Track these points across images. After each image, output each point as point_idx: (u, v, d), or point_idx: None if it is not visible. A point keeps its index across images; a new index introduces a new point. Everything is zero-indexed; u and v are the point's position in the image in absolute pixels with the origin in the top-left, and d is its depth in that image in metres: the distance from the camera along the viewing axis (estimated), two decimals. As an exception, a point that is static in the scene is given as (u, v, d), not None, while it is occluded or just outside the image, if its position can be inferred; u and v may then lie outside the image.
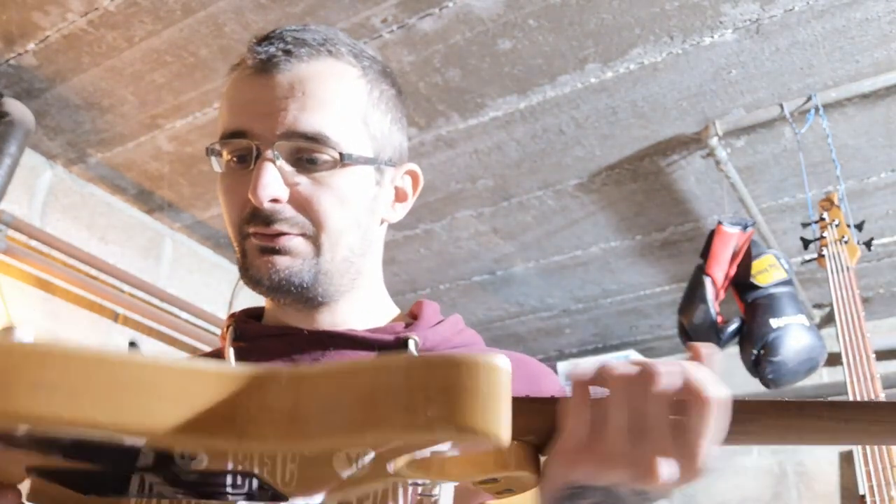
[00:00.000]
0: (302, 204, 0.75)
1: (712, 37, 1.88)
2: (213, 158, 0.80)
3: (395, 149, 0.84)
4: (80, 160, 2.36)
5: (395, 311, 0.86)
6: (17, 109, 2.04)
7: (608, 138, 2.24)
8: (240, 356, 0.79)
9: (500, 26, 1.85)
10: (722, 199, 2.29)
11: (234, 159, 0.77)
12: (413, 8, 1.80)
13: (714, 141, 2.15)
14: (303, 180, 0.75)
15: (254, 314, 0.86)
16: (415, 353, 0.75)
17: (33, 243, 2.19)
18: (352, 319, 0.80)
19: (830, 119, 2.10)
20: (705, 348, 0.52)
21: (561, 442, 0.51)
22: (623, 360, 0.51)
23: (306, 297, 0.76)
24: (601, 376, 0.51)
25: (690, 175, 2.39)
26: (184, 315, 2.61)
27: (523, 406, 0.49)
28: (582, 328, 3.43)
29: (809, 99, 2.04)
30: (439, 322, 0.82)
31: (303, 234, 0.75)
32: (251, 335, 0.81)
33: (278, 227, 0.74)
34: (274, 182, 0.73)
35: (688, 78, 2.01)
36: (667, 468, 0.49)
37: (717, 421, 0.48)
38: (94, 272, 2.34)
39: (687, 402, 0.48)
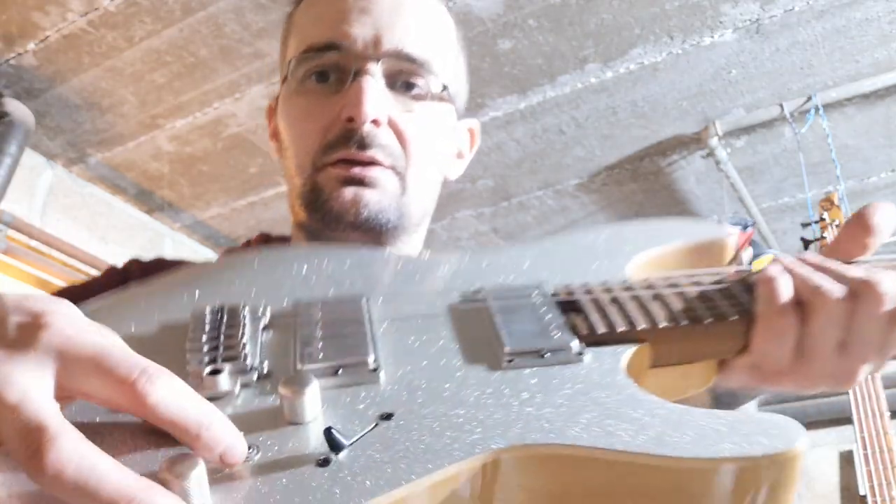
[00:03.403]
0: (399, 132, 0.68)
1: (712, 37, 1.87)
2: (290, 79, 0.71)
3: (463, 99, 0.79)
4: (80, 160, 2.36)
5: None
6: (17, 109, 2.04)
7: (608, 138, 2.24)
8: None
9: (500, 26, 1.85)
10: (722, 199, 2.29)
11: (314, 77, 0.69)
12: (413, 8, 1.80)
13: (714, 141, 2.15)
14: (399, 107, 0.69)
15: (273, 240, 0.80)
16: None
17: (33, 243, 2.19)
18: None
19: (830, 119, 2.10)
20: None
21: (756, 363, 0.50)
22: (808, 265, 0.50)
23: (379, 239, 0.69)
24: (808, 296, 0.48)
25: (690, 175, 2.39)
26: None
27: (716, 329, 0.51)
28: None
29: (809, 99, 2.04)
30: None
31: (392, 168, 0.68)
32: None
33: (373, 153, 0.66)
34: (380, 100, 0.66)
35: (688, 78, 2.01)
36: (865, 372, 0.48)
37: None
38: (94, 272, 2.34)
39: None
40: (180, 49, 1.93)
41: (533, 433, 0.41)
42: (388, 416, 0.43)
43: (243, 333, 0.49)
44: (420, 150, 0.69)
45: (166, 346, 0.50)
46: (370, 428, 0.42)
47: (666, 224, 0.65)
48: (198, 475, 0.36)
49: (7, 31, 1.88)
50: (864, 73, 1.98)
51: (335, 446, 0.40)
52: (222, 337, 0.49)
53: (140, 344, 0.44)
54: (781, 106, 2.07)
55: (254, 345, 0.50)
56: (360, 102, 0.65)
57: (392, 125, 0.68)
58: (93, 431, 0.36)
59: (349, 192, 0.66)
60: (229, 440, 0.38)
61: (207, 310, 0.52)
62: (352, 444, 0.41)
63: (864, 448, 1.96)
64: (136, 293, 0.58)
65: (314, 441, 0.41)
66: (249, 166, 2.38)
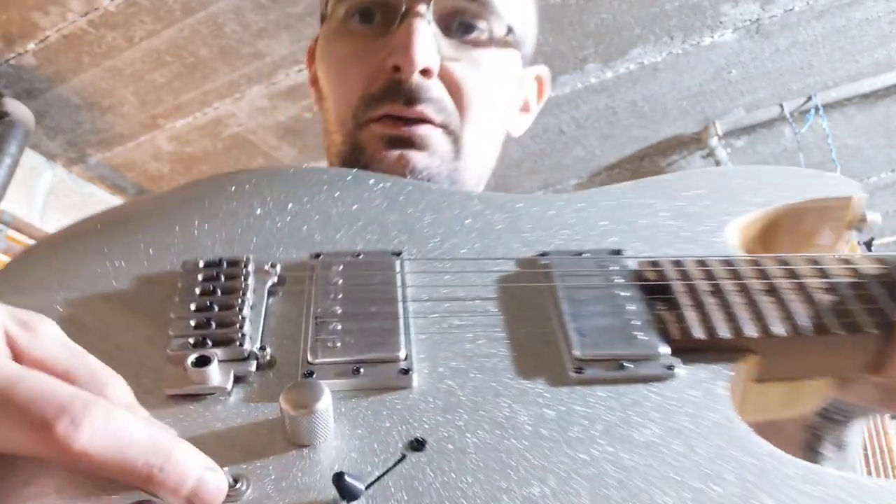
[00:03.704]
0: (452, 85, 0.58)
1: (712, 37, 1.87)
2: (331, 18, 0.61)
3: (531, 44, 0.67)
4: (80, 160, 2.36)
5: None
6: (17, 109, 2.04)
7: (608, 138, 2.24)
8: None
9: (500, 26, 1.85)
10: (722, 199, 2.30)
11: (357, 17, 0.60)
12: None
13: (714, 141, 2.15)
14: (455, 54, 0.59)
15: None
16: None
17: (33, 243, 2.19)
18: None
19: (830, 119, 2.10)
20: None
21: (892, 386, 0.41)
22: None
23: None
24: None
25: (690, 175, 2.39)
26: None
27: (846, 342, 0.40)
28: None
29: (809, 99, 2.04)
30: None
31: (444, 127, 0.58)
32: None
33: (422, 108, 0.57)
34: (432, 46, 0.56)
35: (688, 78, 2.01)
36: None
37: None
38: (94, 272, 2.34)
39: None
40: (180, 49, 1.93)
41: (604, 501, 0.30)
42: (419, 445, 0.33)
43: (243, 301, 0.39)
44: (478, 106, 0.59)
45: (145, 312, 0.39)
46: (394, 463, 0.32)
47: (780, 174, 0.52)
48: None
49: (7, 31, 1.88)
50: (864, 73, 1.98)
51: (347, 494, 0.31)
52: (216, 306, 0.39)
53: (110, 308, 0.37)
54: (781, 106, 2.07)
55: (256, 318, 0.39)
56: (408, 48, 0.55)
57: (445, 76, 0.58)
58: (22, 479, 0.28)
59: (394, 154, 0.57)
60: (196, 475, 0.29)
61: (202, 263, 0.41)
62: (369, 487, 0.31)
63: (864, 448, 1.96)
64: (123, 219, 0.47)
65: (322, 476, 0.32)
66: (249, 166, 2.38)
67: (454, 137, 0.59)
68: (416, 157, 0.57)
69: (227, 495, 0.30)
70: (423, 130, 0.57)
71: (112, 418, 0.28)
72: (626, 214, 0.47)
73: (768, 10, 1.79)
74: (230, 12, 1.82)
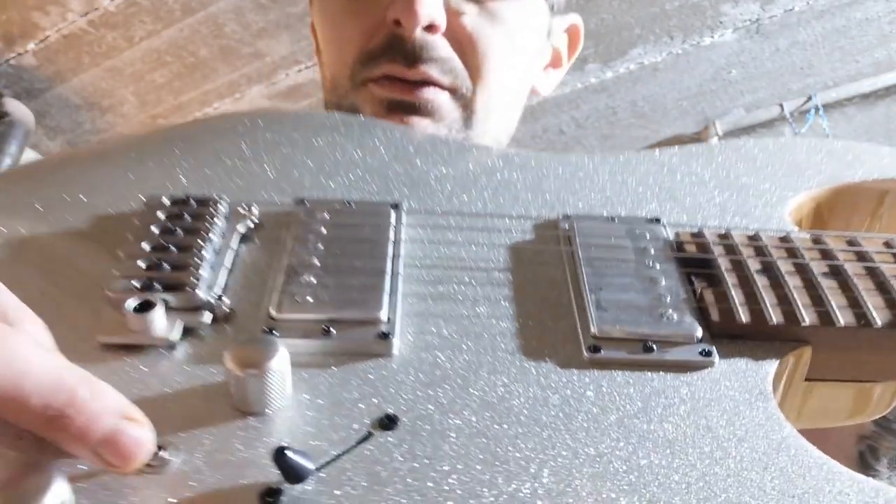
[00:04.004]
0: (463, 41, 0.51)
1: (712, 37, 1.87)
2: None
3: None
4: (80, 160, 2.36)
5: None
6: (17, 109, 2.04)
7: (608, 138, 2.24)
8: None
9: (500, 26, 1.85)
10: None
11: None
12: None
13: (714, 141, 2.15)
14: (467, 8, 0.51)
15: None
16: None
17: None
18: None
19: (830, 119, 2.10)
20: None
21: None
22: None
23: None
24: None
25: (690, 175, 2.39)
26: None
27: None
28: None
29: (809, 99, 2.04)
30: None
31: (453, 91, 0.52)
32: None
33: (426, 69, 0.50)
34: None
35: (688, 78, 2.01)
36: None
37: None
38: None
39: None
40: (180, 49, 1.93)
41: None
42: (389, 423, 0.28)
43: (206, 243, 0.34)
44: (493, 66, 0.52)
45: (96, 250, 0.34)
46: (357, 441, 0.27)
47: (848, 150, 0.45)
48: (55, 498, 0.22)
49: (7, 31, 1.88)
50: (864, 73, 1.98)
51: (292, 475, 0.25)
52: (173, 247, 0.33)
53: (57, 243, 0.32)
54: (781, 106, 2.07)
55: (218, 264, 0.34)
56: (411, 1, 0.48)
57: (455, 31, 0.51)
58: None
59: (393, 118, 0.51)
60: (108, 423, 0.23)
61: (167, 200, 0.36)
62: (321, 468, 0.25)
63: None
64: (92, 154, 0.42)
65: (266, 450, 0.26)
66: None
67: (464, 103, 0.52)
68: (421, 125, 0.50)
69: (148, 465, 0.24)
70: (428, 94, 0.50)
71: (4, 341, 0.22)
72: (667, 182, 0.42)
73: (768, 10, 1.79)
74: (230, 12, 1.82)
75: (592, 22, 1.84)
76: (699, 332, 0.32)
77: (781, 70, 1.98)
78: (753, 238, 0.37)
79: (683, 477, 0.26)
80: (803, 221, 0.44)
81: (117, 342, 0.30)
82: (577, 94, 2.07)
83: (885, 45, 1.90)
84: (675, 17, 1.82)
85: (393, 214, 0.37)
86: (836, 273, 0.35)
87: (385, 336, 0.31)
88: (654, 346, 0.31)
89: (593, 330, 0.32)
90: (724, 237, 0.37)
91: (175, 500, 0.24)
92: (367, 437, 0.27)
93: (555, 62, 0.62)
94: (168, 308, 0.30)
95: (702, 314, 0.33)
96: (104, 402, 0.23)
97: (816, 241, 0.37)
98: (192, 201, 0.36)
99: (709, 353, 0.31)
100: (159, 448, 0.25)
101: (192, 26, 1.86)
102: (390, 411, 0.28)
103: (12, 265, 0.31)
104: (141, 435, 0.24)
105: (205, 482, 0.25)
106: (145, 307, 0.30)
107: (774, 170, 0.43)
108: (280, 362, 0.27)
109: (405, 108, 0.50)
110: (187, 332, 0.31)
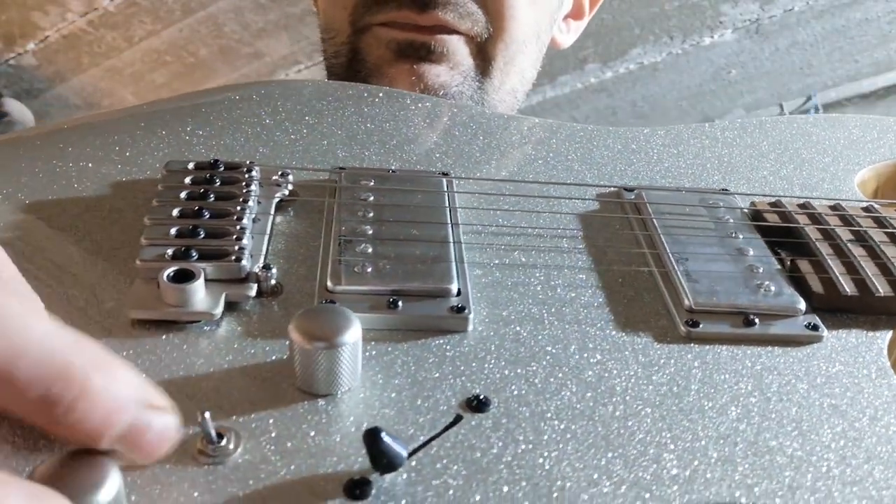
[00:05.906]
0: None
1: (712, 37, 1.87)
2: None
3: None
4: (80, 160, 2.36)
5: None
6: (17, 109, 2.04)
7: (608, 138, 2.25)
8: None
9: (499, 26, 1.85)
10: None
11: None
12: (413, 8, 1.80)
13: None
14: None
15: None
16: None
17: None
18: None
19: (830, 119, 2.10)
20: None
21: None
22: None
23: None
24: None
25: (690, 175, 2.40)
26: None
27: None
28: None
29: (809, 99, 2.04)
30: None
31: (469, 36, 0.47)
32: None
33: (440, 13, 0.44)
34: None
35: (688, 78, 2.01)
36: None
37: None
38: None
39: None
40: (180, 49, 1.93)
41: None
42: (480, 405, 0.25)
43: (244, 209, 0.30)
44: (513, 12, 0.47)
45: (112, 220, 0.30)
46: (448, 425, 0.24)
47: None
48: (110, 493, 0.18)
49: (7, 31, 1.88)
50: (863, 73, 1.98)
51: (384, 462, 0.21)
52: (207, 213, 0.30)
53: (64, 213, 0.29)
54: (781, 106, 2.07)
55: (257, 232, 0.30)
56: None
57: None
58: None
59: (403, 66, 0.45)
60: (129, 415, 0.18)
61: (192, 165, 0.33)
62: (412, 454, 0.22)
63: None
64: (97, 121, 0.39)
65: (344, 436, 0.23)
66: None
67: (481, 49, 0.47)
68: (433, 72, 0.45)
69: (207, 455, 0.22)
70: (440, 40, 0.46)
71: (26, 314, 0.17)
72: (725, 154, 0.40)
73: (768, 10, 1.79)
74: (230, 12, 1.82)
75: (592, 22, 1.84)
76: (802, 305, 0.30)
77: (781, 70, 1.98)
78: (835, 208, 0.35)
79: (820, 459, 0.24)
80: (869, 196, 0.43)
81: (152, 317, 0.26)
82: (576, 94, 2.07)
83: (884, 45, 1.90)
84: (675, 18, 1.82)
85: (444, 181, 0.35)
86: None
87: (461, 310, 0.28)
88: (756, 320, 0.29)
89: (688, 303, 0.29)
90: (805, 207, 0.35)
91: (242, 494, 0.21)
92: (456, 421, 0.24)
93: (576, 13, 0.58)
94: (206, 280, 0.27)
95: (802, 286, 0.30)
96: (124, 390, 0.18)
97: None
98: (221, 165, 0.33)
99: (816, 328, 0.29)
100: (219, 436, 0.22)
101: (191, 26, 1.86)
102: (478, 392, 0.25)
103: (15, 242, 0.28)
104: (166, 425, 0.19)
105: (276, 473, 0.22)
106: (184, 277, 0.26)
107: (833, 144, 0.42)
108: (354, 334, 0.24)
109: (416, 50, 0.45)
110: (230, 306, 0.27)
